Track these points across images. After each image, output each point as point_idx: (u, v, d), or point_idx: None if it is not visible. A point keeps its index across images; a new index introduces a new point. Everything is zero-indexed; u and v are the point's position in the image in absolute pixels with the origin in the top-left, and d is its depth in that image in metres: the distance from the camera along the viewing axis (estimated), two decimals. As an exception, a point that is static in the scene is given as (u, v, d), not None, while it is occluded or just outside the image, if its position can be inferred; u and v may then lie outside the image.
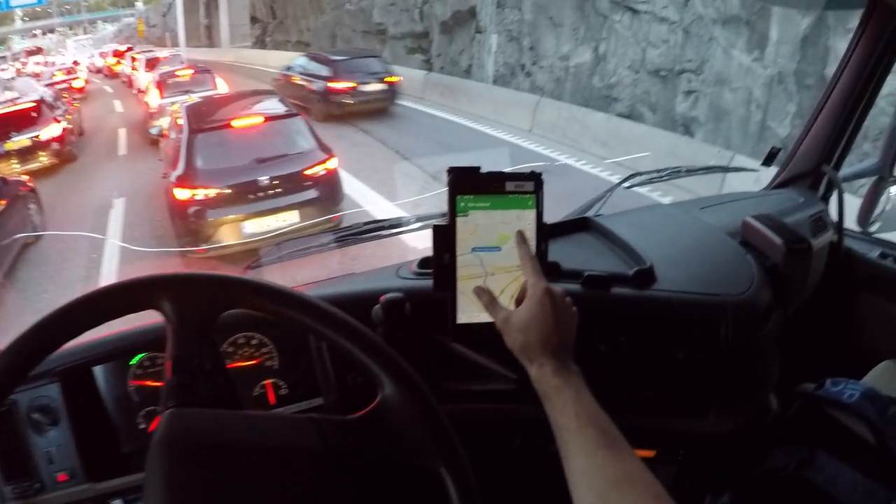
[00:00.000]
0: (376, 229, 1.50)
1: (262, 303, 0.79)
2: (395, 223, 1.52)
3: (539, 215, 0.89)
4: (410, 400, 0.79)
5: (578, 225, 1.46)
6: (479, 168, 0.87)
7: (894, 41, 1.64)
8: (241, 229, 5.80)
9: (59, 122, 11.37)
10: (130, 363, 1.13)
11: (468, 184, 0.87)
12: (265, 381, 1.18)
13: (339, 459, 0.76)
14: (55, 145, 10.95)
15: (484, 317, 0.89)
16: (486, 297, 0.87)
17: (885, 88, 1.77)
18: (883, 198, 1.80)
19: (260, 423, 0.79)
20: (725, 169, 2.23)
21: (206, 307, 0.78)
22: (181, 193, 5.78)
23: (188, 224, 5.84)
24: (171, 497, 0.68)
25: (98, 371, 1.13)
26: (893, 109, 1.77)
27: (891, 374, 1.56)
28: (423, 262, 1.23)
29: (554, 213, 0.90)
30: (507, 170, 0.91)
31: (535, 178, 0.89)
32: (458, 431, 0.79)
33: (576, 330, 0.85)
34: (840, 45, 7.15)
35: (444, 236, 0.87)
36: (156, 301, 0.77)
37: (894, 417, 1.18)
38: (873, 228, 1.84)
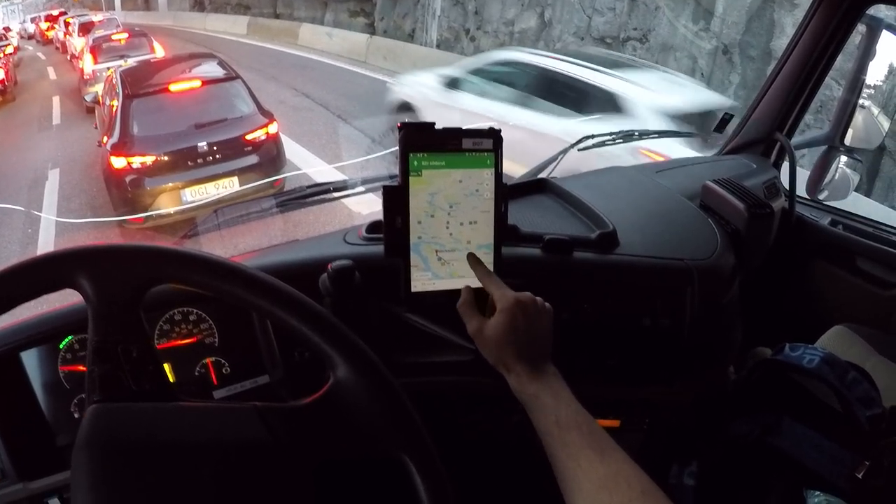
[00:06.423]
0: (320, 192, 1.42)
1: (193, 276, 0.70)
2: (341, 186, 1.44)
3: (498, 175, 0.84)
4: (367, 382, 0.71)
5: (535, 186, 1.41)
6: (433, 124, 0.81)
7: (851, 12, 1.64)
8: (180, 197, 5.64)
9: (2, 67, 14.04)
10: (60, 346, 1.02)
11: (421, 141, 0.80)
12: (206, 360, 1.08)
13: (289, 452, 0.68)
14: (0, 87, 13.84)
15: (439, 284, 0.83)
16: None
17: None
18: (832, 167, 1.83)
19: (196, 415, 0.69)
20: (678, 133, 2.22)
21: (129, 283, 0.69)
22: (117, 162, 5.59)
23: (125, 193, 5.65)
24: None
25: (26, 357, 1.01)
26: (843, 83, 1.78)
27: (842, 338, 1.56)
28: (373, 227, 1.16)
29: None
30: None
31: (495, 134, 0.83)
32: (413, 407, 0.72)
33: (551, 328, 0.82)
34: (786, 19, 7.28)
35: (396, 198, 0.80)
36: (72, 278, 0.68)
37: (854, 382, 1.17)
38: (822, 196, 1.87)
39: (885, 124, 1.79)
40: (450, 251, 0.83)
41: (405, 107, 6.69)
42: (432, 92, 6.37)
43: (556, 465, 0.71)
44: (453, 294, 0.83)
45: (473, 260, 0.83)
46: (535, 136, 4.74)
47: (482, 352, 0.81)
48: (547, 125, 4.95)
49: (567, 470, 0.69)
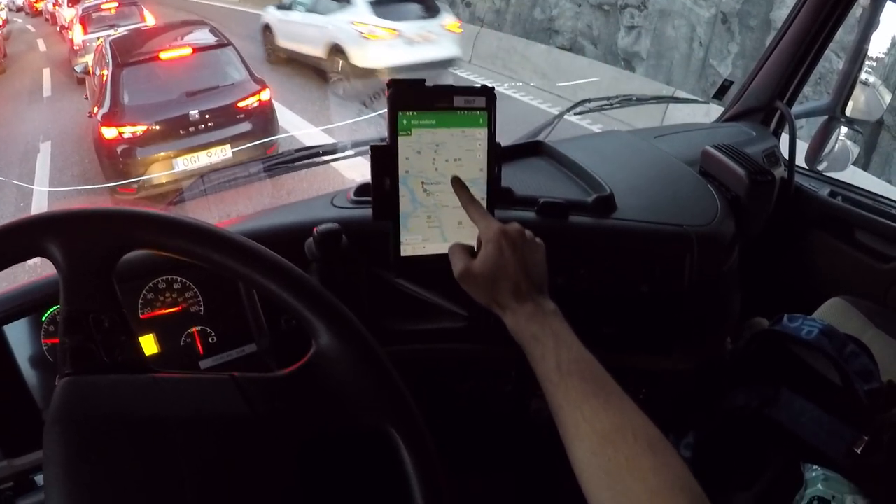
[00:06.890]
0: (310, 156, 1.38)
1: (166, 240, 0.67)
2: (330, 150, 1.40)
3: (491, 135, 0.80)
4: (350, 350, 0.67)
5: (531, 149, 1.37)
6: (423, 81, 0.77)
7: None
8: (172, 167, 5.59)
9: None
10: (42, 319, 0.98)
11: (411, 99, 0.77)
12: (192, 329, 1.05)
13: (269, 425, 0.65)
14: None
15: (430, 248, 0.80)
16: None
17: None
18: (832, 137, 1.81)
19: (171, 387, 0.66)
20: (677, 99, 2.19)
21: (100, 249, 0.65)
22: (108, 132, 5.51)
23: (117, 164, 5.57)
24: (71, 487, 0.57)
25: (10, 330, 0.97)
26: (844, 55, 1.75)
27: (839, 310, 1.54)
28: (361, 189, 1.12)
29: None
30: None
31: (488, 92, 0.80)
32: (403, 375, 0.69)
33: (544, 261, 0.77)
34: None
35: (384, 158, 0.77)
36: (41, 245, 0.64)
37: (853, 355, 1.15)
38: (821, 167, 1.84)
39: (887, 97, 1.76)
40: (435, 184, 0.79)
41: (267, 27, 9.94)
42: (278, 13, 9.70)
43: (556, 415, 0.66)
44: (444, 259, 0.79)
45: (458, 185, 0.78)
46: (316, 27, 8.60)
47: (473, 295, 0.75)
48: (322, 21, 8.58)
49: (569, 420, 0.64)
